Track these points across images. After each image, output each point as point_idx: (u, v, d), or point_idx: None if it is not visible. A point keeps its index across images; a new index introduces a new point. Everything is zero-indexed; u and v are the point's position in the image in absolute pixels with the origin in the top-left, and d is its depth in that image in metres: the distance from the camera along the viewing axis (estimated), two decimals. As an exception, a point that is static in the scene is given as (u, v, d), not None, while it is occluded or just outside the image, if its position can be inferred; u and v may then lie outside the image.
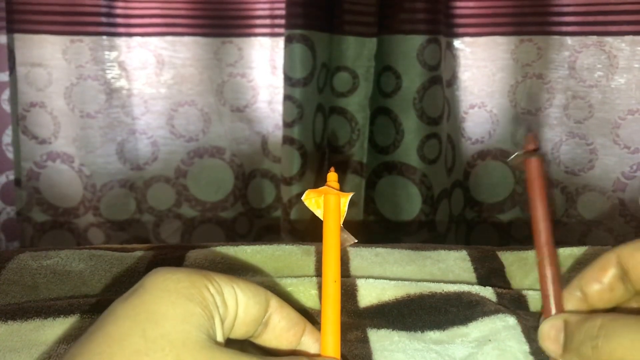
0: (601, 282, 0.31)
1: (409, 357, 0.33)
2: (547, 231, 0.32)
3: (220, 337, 0.27)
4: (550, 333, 0.30)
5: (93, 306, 0.38)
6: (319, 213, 0.32)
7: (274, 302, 0.30)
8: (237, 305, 0.28)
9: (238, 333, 0.29)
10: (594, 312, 0.31)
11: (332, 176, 0.33)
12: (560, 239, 0.95)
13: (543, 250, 0.32)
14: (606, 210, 0.93)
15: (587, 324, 0.28)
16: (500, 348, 0.33)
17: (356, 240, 0.32)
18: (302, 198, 0.32)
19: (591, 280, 0.31)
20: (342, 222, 0.32)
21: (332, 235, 0.31)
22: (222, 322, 0.27)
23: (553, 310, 0.31)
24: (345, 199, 0.32)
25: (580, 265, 0.43)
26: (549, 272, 0.32)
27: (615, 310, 0.32)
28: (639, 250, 0.30)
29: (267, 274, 0.43)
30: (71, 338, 0.35)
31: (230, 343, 0.27)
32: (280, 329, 0.30)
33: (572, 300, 0.32)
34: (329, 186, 0.32)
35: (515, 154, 0.34)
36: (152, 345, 0.24)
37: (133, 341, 0.24)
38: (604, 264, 0.31)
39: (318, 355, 0.29)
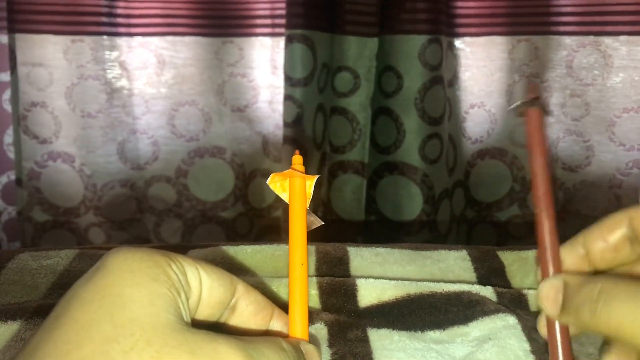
0: (607, 241, 0.30)
1: (409, 357, 0.33)
2: (545, 183, 0.31)
3: (186, 318, 0.26)
4: (549, 293, 0.29)
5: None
6: (284, 196, 0.32)
7: (241, 287, 0.29)
8: (201, 287, 0.27)
9: (202, 315, 0.28)
10: (594, 272, 0.30)
11: (297, 159, 0.32)
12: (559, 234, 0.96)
13: (541, 202, 0.31)
14: (602, 205, 0.94)
15: (588, 286, 0.27)
16: (501, 346, 0.33)
17: (322, 223, 0.32)
18: (267, 182, 0.32)
19: (597, 238, 0.30)
20: (308, 204, 0.32)
21: (298, 218, 0.31)
22: (187, 302, 0.27)
23: (549, 264, 0.30)
24: (311, 181, 0.32)
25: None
26: (546, 224, 0.31)
27: (614, 272, 0.30)
28: None
29: (267, 274, 0.43)
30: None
31: (199, 326, 0.26)
32: (248, 313, 0.30)
33: (573, 256, 0.31)
34: (293, 169, 0.32)
35: (516, 103, 0.33)
36: (122, 331, 0.23)
37: (102, 327, 0.23)
38: (613, 223, 0.30)
39: (287, 337, 0.29)
